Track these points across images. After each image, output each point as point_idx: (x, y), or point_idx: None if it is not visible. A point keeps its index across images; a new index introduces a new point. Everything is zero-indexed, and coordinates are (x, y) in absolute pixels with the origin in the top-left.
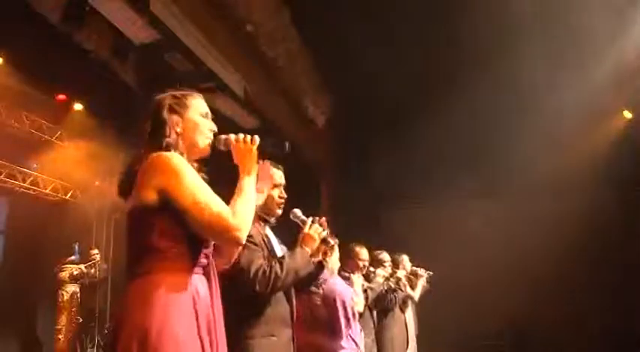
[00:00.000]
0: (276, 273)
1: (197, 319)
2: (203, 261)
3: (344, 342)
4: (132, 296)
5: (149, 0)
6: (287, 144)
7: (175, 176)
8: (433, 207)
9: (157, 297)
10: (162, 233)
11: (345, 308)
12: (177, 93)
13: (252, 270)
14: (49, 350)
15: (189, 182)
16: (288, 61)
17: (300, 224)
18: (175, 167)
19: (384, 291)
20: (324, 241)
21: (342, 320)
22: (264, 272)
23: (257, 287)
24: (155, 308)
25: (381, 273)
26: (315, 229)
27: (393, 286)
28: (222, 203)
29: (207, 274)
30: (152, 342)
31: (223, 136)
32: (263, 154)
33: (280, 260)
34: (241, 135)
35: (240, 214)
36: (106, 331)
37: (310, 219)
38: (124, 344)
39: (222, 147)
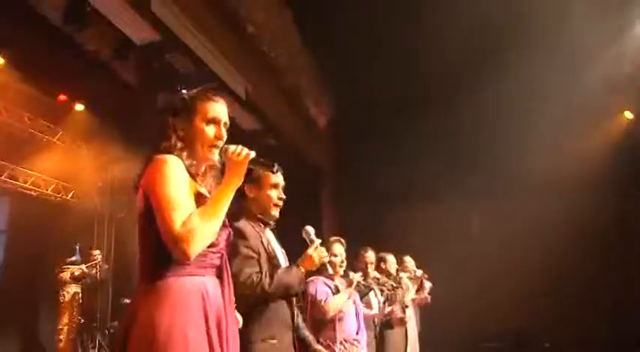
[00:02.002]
0: (262, 287)
1: (207, 320)
2: (214, 261)
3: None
4: (142, 298)
5: (150, 0)
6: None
7: (157, 180)
8: (434, 208)
9: (166, 298)
10: None
11: (312, 312)
12: (188, 94)
13: (240, 280)
14: (50, 350)
15: (165, 187)
16: (290, 62)
17: (308, 242)
18: (161, 171)
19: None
20: (323, 266)
21: (309, 322)
22: (252, 282)
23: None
24: (165, 309)
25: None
26: (319, 252)
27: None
28: (183, 212)
29: (220, 275)
30: (162, 342)
31: (223, 146)
32: (253, 169)
33: (272, 273)
34: (239, 148)
35: (193, 225)
36: (107, 331)
37: (318, 241)
38: (134, 344)
39: (221, 157)
